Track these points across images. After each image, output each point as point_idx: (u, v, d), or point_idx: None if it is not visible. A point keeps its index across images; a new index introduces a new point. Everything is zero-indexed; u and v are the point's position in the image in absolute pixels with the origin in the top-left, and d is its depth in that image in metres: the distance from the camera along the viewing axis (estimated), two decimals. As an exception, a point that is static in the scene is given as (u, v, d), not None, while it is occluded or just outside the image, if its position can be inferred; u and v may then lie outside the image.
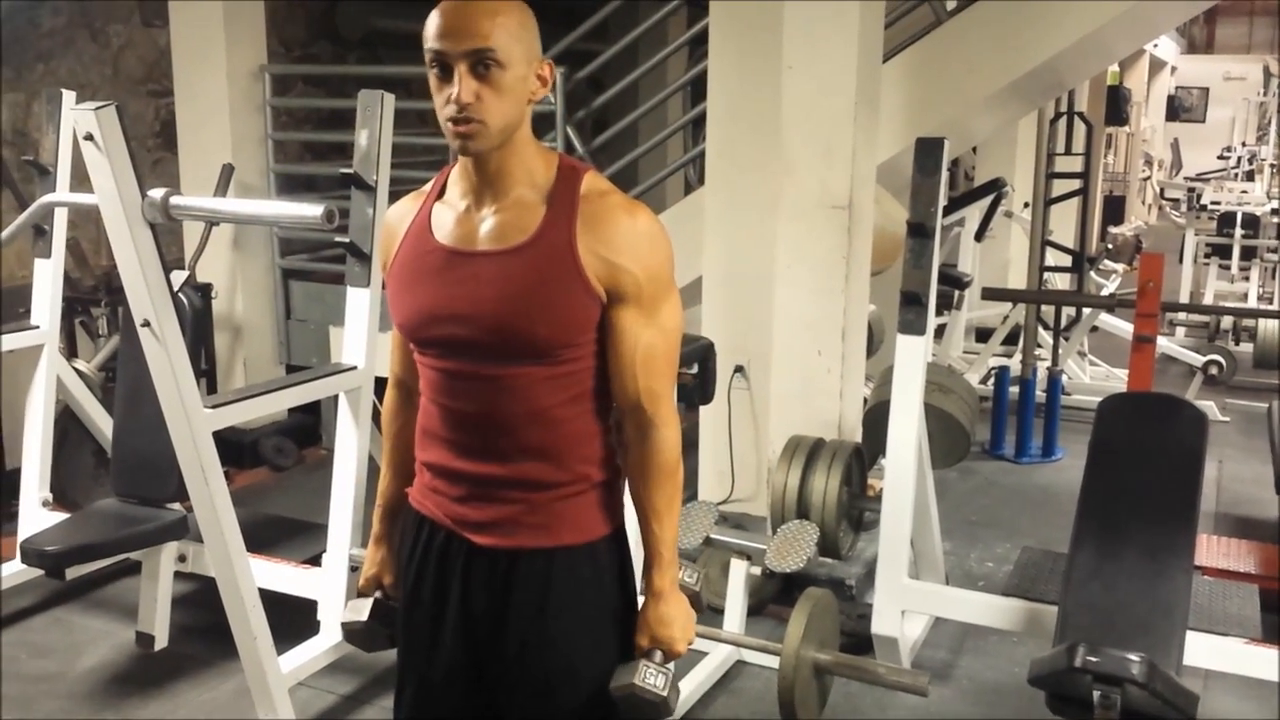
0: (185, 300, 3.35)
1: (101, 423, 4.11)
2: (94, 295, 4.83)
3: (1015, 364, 6.04)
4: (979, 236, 7.05)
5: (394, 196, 1.91)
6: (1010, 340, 6.71)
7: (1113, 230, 12.84)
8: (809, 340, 3.92)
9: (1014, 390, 5.78)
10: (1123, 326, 6.28)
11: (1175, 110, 19.32)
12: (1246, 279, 9.17)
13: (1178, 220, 10.58)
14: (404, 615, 1.83)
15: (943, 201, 3.35)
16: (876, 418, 3.88)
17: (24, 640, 3.59)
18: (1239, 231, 9.15)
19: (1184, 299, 8.49)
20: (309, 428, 5.44)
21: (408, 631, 1.83)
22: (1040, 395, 5.77)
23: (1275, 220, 9.55)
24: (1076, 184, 6.40)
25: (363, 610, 1.91)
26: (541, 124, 2.04)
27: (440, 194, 1.72)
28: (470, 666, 1.76)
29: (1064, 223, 7.57)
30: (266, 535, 3.69)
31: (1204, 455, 3.05)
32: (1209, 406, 5.99)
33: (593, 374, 1.69)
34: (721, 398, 3.83)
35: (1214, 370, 6.85)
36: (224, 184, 4.82)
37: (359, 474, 3.19)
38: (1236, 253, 9.17)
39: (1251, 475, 5.32)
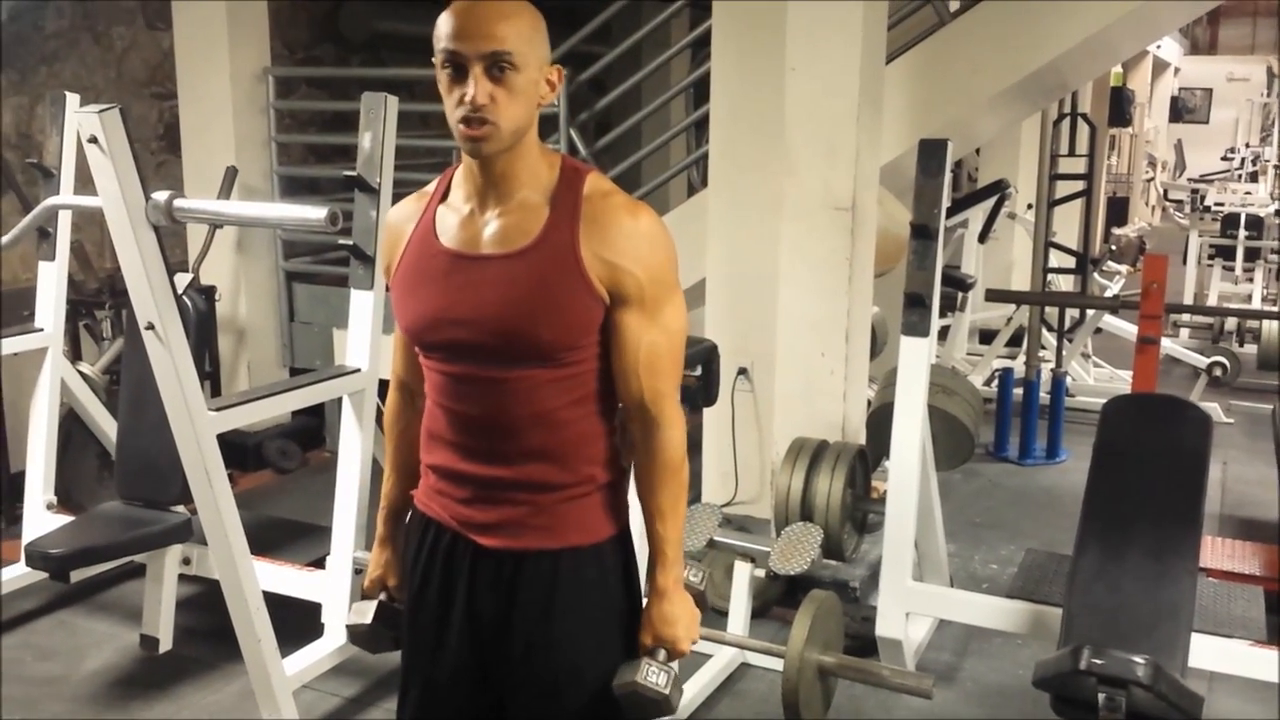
0: (189, 303, 3.35)
1: (106, 426, 4.12)
2: (98, 298, 4.84)
3: (1019, 366, 6.04)
4: (982, 238, 7.04)
5: (397, 199, 1.91)
6: (1014, 342, 6.71)
7: (1116, 232, 12.86)
8: (812, 342, 3.92)
9: (1018, 392, 5.78)
10: (1126, 328, 6.29)
11: (1179, 111, 19.33)
12: (1250, 280, 9.16)
13: (1181, 222, 10.57)
14: (409, 617, 1.83)
15: (946, 203, 3.35)
16: (880, 420, 3.88)
17: (28, 643, 3.59)
18: (1243, 233, 9.14)
19: (1188, 301, 8.49)
20: (313, 430, 5.44)
21: (413, 633, 1.83)
22: (1044, 397, 5.76)
23: (1279, 221, 9.54)
24: (1080, 185, 6.40)
25: (367, 612, 1.92)
26: (545, 126, 2.03)
27: (444, 196, 1.73)
28: (475, 668, 1.76)
29: (1067, 224, 7.57)
30: (270, 538, 3.68)
31: (1208, 457, 3.05)
32: (1213, 408, 5.97)
33: (597, 375, 1.69)
34: (725, 400, 3.83)
35: (1218, 372, 6.84)
36: (227, 186, 4.83)
37: (363, 476, 3.19)
38: (1240, 254, 9.17)
39: (1256, 477, 5.31)
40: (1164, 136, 18.52)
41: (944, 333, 6.80)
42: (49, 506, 3.71)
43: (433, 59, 1.61)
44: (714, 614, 3.40)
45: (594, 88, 5.13)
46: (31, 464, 3.73)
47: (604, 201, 1.64)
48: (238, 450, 4.93)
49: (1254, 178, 14.00)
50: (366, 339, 3.18)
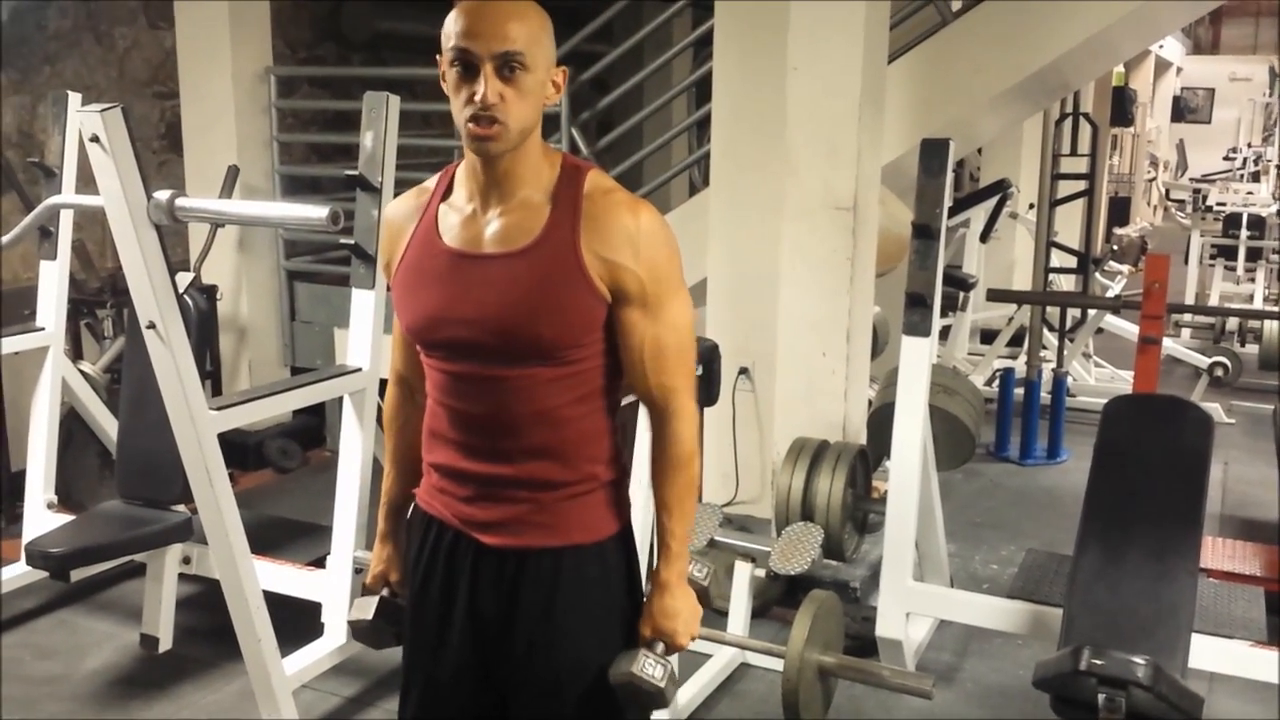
0: (190, 302, 3.35)
1: (106, 425, 4.12)
2: (99, 297, 4.84)
3: (1020, 366, 6.04)
4: (984, 238, 7.04)
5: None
6: (1015, 342, 6.70)
7: (1118, 231, 12.85)
8: (813, 342, 3.92)
9: (1019, 392, 5.78)
10: (1128, 328, 6.29)
11: (1180, 111, 19.32)
12: (1252, 280, 9.16)
13: (1183, 221, 10.57)
14: (411, 615, 1.84)
15: (948, 203, 3.35)
16: (881, 420, 3.88)
17: (28, 642, 3.59)
18: (1244, 233, 9.14)
19: (1189, 301, 8.48)
20: (314, 429, 5.45)
21: (415, 631, 1.83)
22: (1045, 397, 5.76)
23: (1280, 221, 9.55)
24: (1082, 185, 6.40)
25: (369, 608, 1.92)
26: (547, 125, 2.03)
27: (445, 194, 1.73)
28: (477, 666, 1.76)
29: (1069, 224, 7.57)
30: (271, 537, 3.68)
31: (1209, 457, 3.05)
32: (1214, 408, 5.95)
33: (599, 373, 1.69)
34: (726, 399, 3.83)
35: (1219, 372, 6.83)
36: (229, 186, 4.83)
37: (363, 476, 3.19)
38: (1242, 254, 9.16)
39: (1257, 477, 5.30)
40: (1166, 136, 18.51)
41: (945, 332, 6.79)
42: (49, 505, 3.71)
43: (436, 57, 1.62)
44: (714, 614, 3.40)
45: (596, 87, 5.13)
46: (32, 463, 3.73)
47: (605, 199, 1.64)
48: (238, 449, 4.93)
49: (1256, 178, 13.98)
50: (367, 338, 3.18)
